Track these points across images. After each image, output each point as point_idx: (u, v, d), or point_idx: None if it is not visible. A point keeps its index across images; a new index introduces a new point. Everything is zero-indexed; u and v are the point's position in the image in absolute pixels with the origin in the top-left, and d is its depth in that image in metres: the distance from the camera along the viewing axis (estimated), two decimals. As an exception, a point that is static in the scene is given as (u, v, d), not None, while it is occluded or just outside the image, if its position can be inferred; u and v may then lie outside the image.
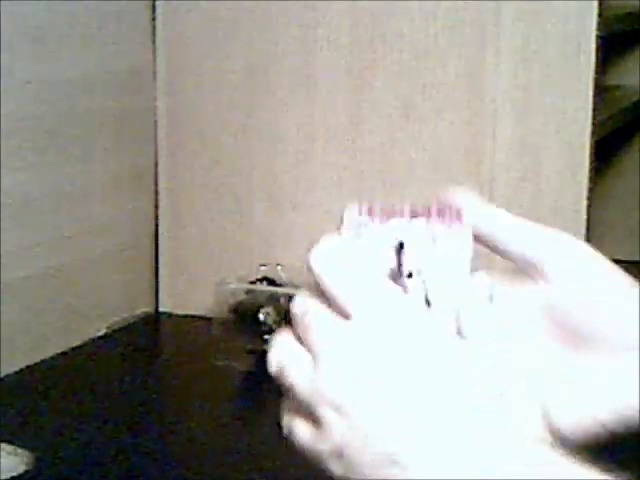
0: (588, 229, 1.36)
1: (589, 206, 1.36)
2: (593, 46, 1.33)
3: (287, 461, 1.10)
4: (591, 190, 1.37)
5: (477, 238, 0.60)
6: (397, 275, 0.60)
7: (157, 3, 1.51)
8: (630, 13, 1.67)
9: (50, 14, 1.33)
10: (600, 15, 1.33)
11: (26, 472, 1.04)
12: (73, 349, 1.38)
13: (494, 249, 0.61)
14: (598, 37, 1.33)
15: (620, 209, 1.90)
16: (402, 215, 0.60)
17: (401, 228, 0.60)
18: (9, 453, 1.05)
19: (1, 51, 1.24)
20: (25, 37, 1.29)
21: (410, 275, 0.59)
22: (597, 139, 1.38)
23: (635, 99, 1.79)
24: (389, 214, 0.60)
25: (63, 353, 1.37)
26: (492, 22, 1.36)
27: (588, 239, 1.35)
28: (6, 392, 1.24)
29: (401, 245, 0.60)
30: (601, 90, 1.40)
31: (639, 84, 1.87)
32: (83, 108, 1.40)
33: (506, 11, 1.35)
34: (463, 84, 1.39)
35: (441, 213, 0.60)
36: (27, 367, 1.31)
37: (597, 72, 1.34)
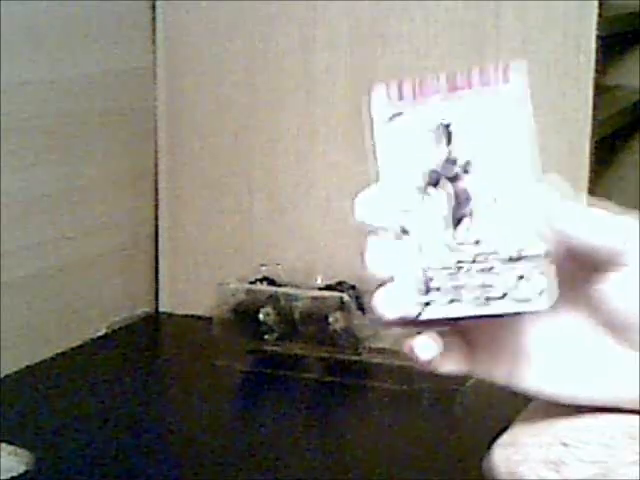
0: (588, 229, 1.36)
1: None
2: (593, 46, 1.33)
3: (287, 461, 1.10)
4: (591, 190, 1.37)
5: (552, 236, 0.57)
6: (450, 169, 0.54)
7: (157, 3, 1.51)
8: (630, 13, 1.67)
9: (50, 14, 1.33)
10: (600, 15, 1.33)
11: (26, 472, 1.04)
12: (73, 349, 1.38)
13: (567, 244, 0.57)
14: (598, 37, 1.33)
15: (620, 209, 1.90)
16: (439, 90, 0.54)
17: (443, 107, 0.54)
18: (9, 453, 1.05)
19: (1, 51, 1.24)
20: (25, 37, 1.29)
21: (466, 170, 0.54)
22: (597, 139, 1.38)
23: (635, 99, 1.79)
24: (424, 92, 0.54)
25: (63, 353, 1.37)
26: (492, 22, 1.36)
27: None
28: (6, 392, 1.24)
29: (448, 130, 0.54)
30: (601, 90, 1.40)
31: (639, 84, 1.87)
32: (83, 108, 1.40)
33: (506, 11, 1.35)
34: (463, 84, 1.38)
35: (484, 77, 0.53)
36: (27, 367, 1.31)
37: (597, 72, 1.34)
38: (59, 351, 1.37)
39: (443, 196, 0.55)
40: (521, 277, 0.55)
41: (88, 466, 1.07)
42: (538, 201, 0.56)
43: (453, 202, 0.56)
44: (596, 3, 1.33)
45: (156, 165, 1.54)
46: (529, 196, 0.55)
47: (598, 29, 1.33)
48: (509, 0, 1.35)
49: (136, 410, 1.23)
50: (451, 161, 0.54)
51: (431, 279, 0.57)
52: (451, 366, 0.61)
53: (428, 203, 0.56)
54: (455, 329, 0.61)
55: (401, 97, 0.54)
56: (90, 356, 1.38)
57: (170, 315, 1.54)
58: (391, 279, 0.57)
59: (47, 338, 1.36)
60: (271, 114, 1.47)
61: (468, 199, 0.55)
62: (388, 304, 0.58)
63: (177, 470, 1.07)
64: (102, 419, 1.18)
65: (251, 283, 1.38)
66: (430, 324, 0.59)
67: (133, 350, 1.42)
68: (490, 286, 0.56)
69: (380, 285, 0.58)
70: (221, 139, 1.50)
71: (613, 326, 0.58)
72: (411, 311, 0.58)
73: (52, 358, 1.35)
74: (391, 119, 0.55)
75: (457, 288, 0.56)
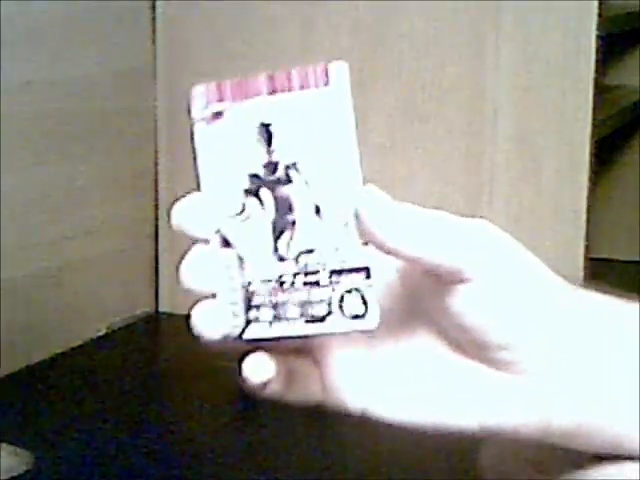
0: (588, 229, 1.36)
1: (589, 206, 1.36)
2: (593, 46, 1.33)
3: (287, 461, 1.10)
4: (591, 190, 1.37)
5: (373, 244, 0.50)
6: (271, 174, 0.51)
7: (157, 3, 1.51)
8: (630, 13, 1.67)
9: (50, 14, 1.33)
10: (600, 15, 1.33)
11: (26, 472, 1.04)
12: (73, 349, 1.38)
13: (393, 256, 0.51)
14: (598, 37, 1.33)
15: (620, 209, 1.90)
16: (259, 92, 0.50)
17: (264, 108, 0.50)
18: (9, 453, 1.05)
19: (1, 51, 1.24)
20: (25, 37, 1.29)
21: (288, 174, 0.51)
22: (597, 139, 1.38)
23: (635, 99, 1.79)
24: (245, 93, 0.51)
25: (63, 353, 1.37)
26: (492, 22, 1.36)
27: (588, 239, 1.35)
28: (6, 392, 1.24)
29: (268, 130, 0.50)
30: (601, 90, 1.40)
31: (639, 84, 1.87)
32: (83, 108, 1.40)
33: (506, 11, 1.35)
34: (463, 84, 1.39)
35: (304, 79, 0.50)
36: (27, 367, 1.31)
37: (597, 72, 1.34)
38: (59, 351, 1.37)
39: (266, 203, 0.51)
40: (348, 292, 0.51)
41: (88, 466, 1.07)
42: (364, 213, 0.50)
43: (274, 211, 0.51)
44: (596, 3, 1.33)
45: (156, 165, 1.54)
46: (353, 206, 0.50)
47: (598, 29, 1.33)
48: (509, 0, 1.35)
49: (136, 410, 1.23)
50: (272, 165, 0.51)
51: (254, 295, 0.52)
52: (295, 393, 0.55)
53: (250, 211, 0.52)
54: (303, 350, 0.55)
55: (221, 98, 0.51)
56: (90, 356, 1.38)
57: (170, 315, 1.54)
58: (211, 294, 0.52)
59: (47, 338, 1.36)
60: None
61: (290, 208, 0.51)
62: (207, 322, 0.53)
63: (177, 470, 1.07)
64: (102, 419, 1.18)
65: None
66: (269, 342, 0.53)
67: (133, 350, 1.42)
68: (316, 302, 0.51)
69: (198, 301, 0.53)
70: (221, 139, 1.50)
71: (472, 344, 0.52)
72: (233, 330, 0.53)
73: (52, 358, 1.35)
74: (211, 121, 0.51)
75: (281, 304, 0.52)
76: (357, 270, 0.50)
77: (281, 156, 0.51)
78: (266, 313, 0.52)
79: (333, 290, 0.51)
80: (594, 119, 1.35)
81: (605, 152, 1.72)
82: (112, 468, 1.07)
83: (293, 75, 0.50)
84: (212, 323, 0.53)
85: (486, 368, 0.52)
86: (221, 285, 0.52)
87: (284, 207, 0.51)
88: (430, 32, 1.38)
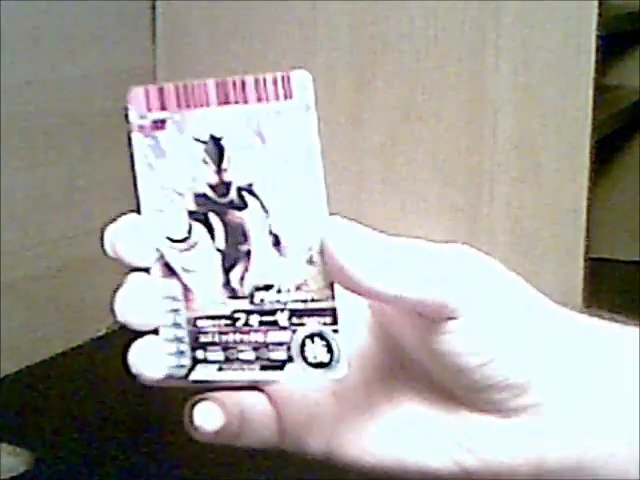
0: (588, 229, 1.36)
1: (589, 206, 1.36)
2: (593, 46, 1.33)
3: (287, 461, 1.10)
4: (591, 190, 1.37)
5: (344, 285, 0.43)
6: (221, 195, 0.43)
7: (157, 3, 1.51)
8: (630, 13, 1.67)
9: (50, 14, 1.33)
10: (600, 15, 1.33)
11: (26, 472, 1.04)
12: (73, 349, 1.38)
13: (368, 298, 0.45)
14: (598, 37, 1.33)
15: (620, 209, 1.90)
16: (208, 102, 0.43)
17: (213, 119, 0.43)
18: (9, 453, 1.05)
19: (1, 51, 1.24)
20: (25, 37, 1.29)
21: (242, 197, 0.43)
22: (597, 139, 1.38)
23: (635, 99, 1.78)
24: (190, 102, 0.43)
25: (63, 353, 1.37)
26: (492, 22, 1.36)
27: (588, 239, 1.35)
28: (6, 392, 1.24)
29: (219, 145, 0.43)
30: (601, 90, 1.40)
31: (639, 84, 1.87)
32: (83, 108, 1.40)
33: (506, 11, 1.35)
34: (463, 84, 1.39)
35: (261, 92, 0.42)
36: (27, 367, 1.31)
37: (597, 72, 1.34)
38: (59, 351, 1.37)
39: (216, 229, 0.44)
40: (310, 337, 0.44)
41: (88, 466, 1.07)
42: (332, 246, 0.42)
43: (224, 239, 0.44)
44: (596, 3, 1.33)
45: (156, 165, 1.54)
46: (319, 237, 0.42)
47: (598, 29, 1.33)
48: (509, 0, 1.35)
49: (136, 410, 1.23)
50: (223, 186, 0.43)
51: (201, 331, 0.46)
52: (250, 436, 0.49)
53: (196, 237, 0.45)
54: (256, 389, 0.50)
55: (163, 105, 0.44)
56: (90, 356, 1.38)
57: (170, 315, 1.54)
58: (151, 329, 0.46)
59: (47, 338, 1.36)
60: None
61: (245, 236, 0.44)
62: (147, 360, 0.47)
63: (177, 470, 1.07)
64: (102, 419, 1.18)
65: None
66: (218, 383, 0.47)
67: (133, 350, 1.42)
68: (273, 345, 0.44)
69: (136, 336, 0.47)
70: (221, 139, 1.50)
71: (463, 386, 0.46)
72: (177, 370, 0.47)
73: (52, 358, 1.35)
74: (151, 130, 0.45)
75: (233, 345, 0.45)
76: (321, 312, 0.43)
77: (234, 176, 0.43)
78: (216, 354, 0.46)
79: (294, 333, 0.44)
80: (594, 119, 1.35)
81: (605, 152, 1.72)
82: (112, 468, 1.07)
83: (248, 84, 0.42)
84: (153, 361, 0.47)
85: (474, 410, 0.47)
86: (164, 319, 0.46)
87: (237, 235, 0.44)
88: (430, 32, 1.38)
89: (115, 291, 0.46)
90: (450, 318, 0.44)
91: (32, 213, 1.32)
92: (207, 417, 0.48)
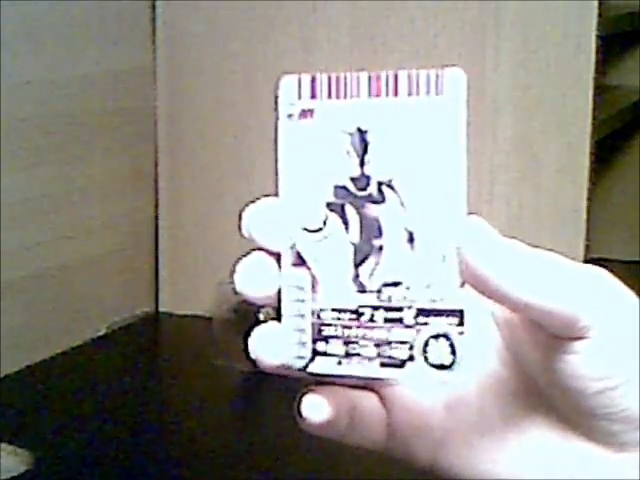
0: (588, 229, 1.36)
1: (589, 206, 1.36)
2: (593, 46, 1.33)
3: (287, 461, 1.10)
4: (591, 190, 1.37)
5: (476, 285, 0.43)
6: (361, 188, 0.44)
7: (157, 3, 1.51)
8: (630, 13, 1.67)
9: (50, 14, 1.33)
10: (600, 15, 1.33)
11: (26, 472, 1.04)
12: (73, 349, 1.38)
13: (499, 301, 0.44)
14: (598, 37, 1.33)
15: (620, 209, 1.90)
16: (358, 93, 0.43)
17: (362, 112, 0.43)
18: (9, 453, 1.05)
19: (1, 51, 1.24)
20: (25, 37, 1.29)
21: (381, 191, 0.44)
22: (597, 139, 1.38)
23: (635, 99, 1.78)
24: (341, 92, 0.44)
25: (63, 353, 1.37)
26: (492, 22, 1.36)
27: (588, 239, 1.35)
28: (6, 392, 1.24)
29: (364, 138, 0.43)
30: (601, 90, 1.40)
31: (639, 84, 1.87)
32: (83, 108, 1.40)
33: (506, 11, 1.35)
34: (463, 84, 1.38)
35: (413, 85, 0.43)
36: (27, 367, 1.31)
37: (597, 72, 1.34)
38: (59, 351, 1.37)
39: (351, 222, 0.45)
40: (435, 337, 0.44)
41: (88, 466, 1.06)
42: (468, 247, 0.42)
43: (359, 232, 0.44)
44: (596, 3, 1.33)
45: (156, 165, 1.54)
46: (455, 237, 0.42)
47: (598, 29, 1.33)
48: (509, 0, 1.35)
49: (136, 410, 1.23)
50: (364, 179, 0.44)
51: (325, 324, 0.46)
52: (357, 437, 0.49)
53: (331, 228, 0.45)
54: (368, 389, 0.49)
55: (314, 94, 0.44)
56: (90, 356, 1.38)
57: (170, 315, 1.54)
58: (272, 314, 0.47)
59: (47, 338, 1.36)
60: (271, 114, 1.47)
61: (379, 231, 0.44)
62: (268, 347, 0.47)
63: (177, 470, 1.07)
64: (102, 419, 1.18)
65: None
66: (334, 378, 0.47)
67: (133, 350, 1.42)
68: (396, 343, 0.44)
69: (258, 322, 0.47)
70: (221, 139, 1.50)
71: (581, 412, 0.45)
72: (296, 361, 0.47)
73: (52, 358, 1.35)
74: (299, 118, 0.45)
75: (355, 340, 0.45)
76: (449, 313, 0.43)
77: (376, 170, 0.44)
78: (337, 347, 0.46)
79: (418, 332, 0.44)
80: (594, 119, 1.35)
81: (605, 152, 1.72)
82: (112, 468, 1.07)
83: (401, 78, 0.43)
84: (273, 349, 0.47)
85: (588, 439, 0.45)
86: (288, 308, 0.46)
87: (371, 229, 0.44)
88: (430, 32, 1.38)
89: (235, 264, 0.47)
90: (578, 338, 0.43)
91: (32, 213, 1.32)
92: (315, 409, 0.47)
